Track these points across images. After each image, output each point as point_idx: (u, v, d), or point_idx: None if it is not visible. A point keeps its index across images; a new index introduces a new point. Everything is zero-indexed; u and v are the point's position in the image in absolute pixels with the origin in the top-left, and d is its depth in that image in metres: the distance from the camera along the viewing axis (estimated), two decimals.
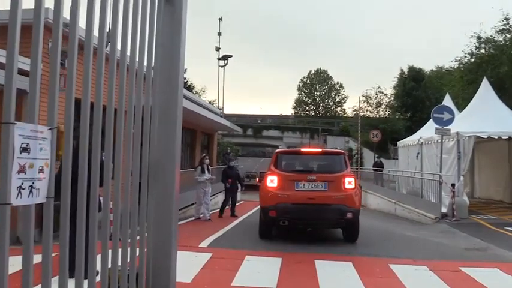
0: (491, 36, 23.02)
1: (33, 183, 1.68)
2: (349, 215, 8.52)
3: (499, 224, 11.87)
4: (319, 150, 10.48)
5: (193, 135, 19.77)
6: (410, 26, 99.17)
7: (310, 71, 67.15)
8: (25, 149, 1.63)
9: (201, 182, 12.49)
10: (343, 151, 11.06)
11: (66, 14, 1.89)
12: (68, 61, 1.89)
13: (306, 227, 9.72)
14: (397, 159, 22.58)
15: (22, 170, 1.62)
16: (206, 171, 12.67)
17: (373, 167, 25.05)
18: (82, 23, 1.98)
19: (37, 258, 1.82)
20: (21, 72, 1.94)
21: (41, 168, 1.72)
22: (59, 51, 1.79)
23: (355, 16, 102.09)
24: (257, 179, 29.30)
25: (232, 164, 14.38)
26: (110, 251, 2.28)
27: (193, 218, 12.89)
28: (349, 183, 8.83)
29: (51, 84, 1.79)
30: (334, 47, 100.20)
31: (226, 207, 13.67)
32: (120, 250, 2.35)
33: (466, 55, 24.12)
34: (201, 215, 12.54)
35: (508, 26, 22.40)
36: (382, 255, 7.86)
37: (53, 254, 1.88)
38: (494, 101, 15.51)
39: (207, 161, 13.14)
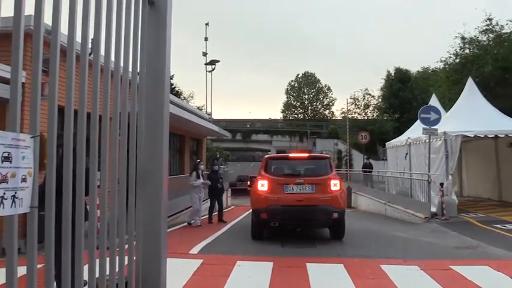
0: (475, 36, 23.36)
1: (15, 192, 1.63)
2: (335, 215, 9.20)
3: (488, 221, 12.00)
4: (306, 155, 11.14)
5: (181, 141, 19.68)
6: (395, 27, 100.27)
7: (298, 74, 67.37)
8: (7, 158, 1.59)
9: (196, 187, 12.47)
10: (328, 155, 11.91)
11: (48, 20, 1.86)
12: (50, 68, 1.86)
13: (296, 227, 10.28)
14: (386, 160, 22.72)
15: (4, 180, 1.58)
16: (201, 177, 12.73)
17: (362, 168, 25.18)
18: (64, 29, 1.95)
19: (24, 270, 1.78)
20: (4, 80, 1.91)
21: (23, 177, 1.68)
22: (40, 57, 1.75)
23: (341, 19, 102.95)
24: (248, 182, 29.25)
25: (216, 169, 14.37)
26: (97, 260, 2.24)
27: (184, 224, 12.83)
28: (335, 185, 9.48)
29: (32, 92, 1.75)
30: (321, 50, 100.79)
31: (214, 213, 13.64)
32: (108, 259, 2.31)
33: (451, 55, 24.45)
34: (192, 221, 12.48)
35: (491, 26, 22.74)
36: (373, 256, 7.89)
37: (39, 265, 1.84)
38: (479, 101, 15.72)
39: (202, 166, 13.31)
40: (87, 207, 2.18)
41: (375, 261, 7.31)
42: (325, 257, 7.75)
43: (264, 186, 9.52)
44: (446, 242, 9.62)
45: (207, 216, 13.69)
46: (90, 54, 2.10)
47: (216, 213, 13.62)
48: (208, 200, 13.98)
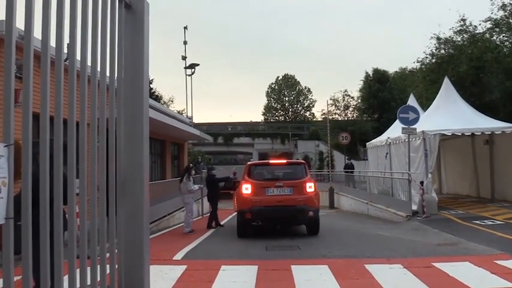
0: (449, 37, 23.87)
1: None
2: (310, 213, 10.42)
3: (467, 218, 12.22)
4: (284, 161, 12.61)
5: (162, 146, 19.52)
6: (372, 29, 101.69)
7: (278, 76, 67.47)
8: None
9: (191, 192, 12.36)
10: (303, 161, 13.23)
11: (20, 24, 1.81)
12: (24, 74, 1.80)
13: (276, 225, 11.38)
14: (367, 160, 22.96)
15: None
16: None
17: (344, 169, 25.38)
18: (38, 33, 1.90)
19: (0, 283, 1.72)
20: None
21: None
22: (13, 63, 1.70)
23: (320, 21, 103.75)
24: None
25: (214, 173, 14.32)
26: (78, 270, 2.18)
27: (167, 230, 12.80)
28: (310, 187, 10.69)
29: (5, 99, 1.69)
30: (300, 52, 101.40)
31: (199, 217, 13.58)
32: (89, 269, 2.25)
33: (427, 56, 24.88)
34: (187, 229, 12.06)
35: (464, 27, 23.27)
36: (357, 256, 7.93)
37: (16, 278, 1.78)
38: (456, 99, 16.02)
39: (193, 171, 13.46)
40: (66, 216, 2.12)
41: (359, 261, 7.34)
42: (309, 259, 7.75)
43: (248, 189, 10.55)
44: (427, 239, 9.75)
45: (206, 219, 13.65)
46: (65, 59, 2.04)
47: (201, 217, 13.57)
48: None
